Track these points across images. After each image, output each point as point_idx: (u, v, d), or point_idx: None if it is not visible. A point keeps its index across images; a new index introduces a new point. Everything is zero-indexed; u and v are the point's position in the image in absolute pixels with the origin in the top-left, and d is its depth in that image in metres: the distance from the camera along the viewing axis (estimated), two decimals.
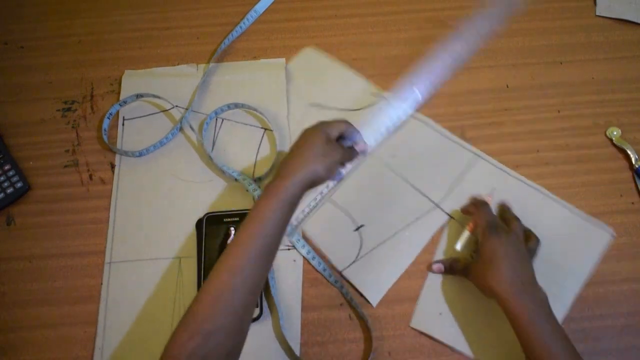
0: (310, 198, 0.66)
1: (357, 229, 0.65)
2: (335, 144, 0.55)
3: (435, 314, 0.61)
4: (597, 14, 0.79)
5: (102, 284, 0.63)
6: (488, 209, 0.60)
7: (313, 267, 0.64)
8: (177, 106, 0.73)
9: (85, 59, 0.78)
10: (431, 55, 0.71)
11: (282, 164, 0.53)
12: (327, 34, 0.79)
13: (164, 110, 0.74)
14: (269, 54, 0.78)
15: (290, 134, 0.71)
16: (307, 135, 0.55)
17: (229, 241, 0.63)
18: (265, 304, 0.61)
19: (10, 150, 0.71)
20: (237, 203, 0.67)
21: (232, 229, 0.64)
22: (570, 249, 0.63)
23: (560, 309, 0.59)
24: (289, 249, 0.65)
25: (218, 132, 0.72)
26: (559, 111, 0.73)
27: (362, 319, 0.61)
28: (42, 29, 0.81)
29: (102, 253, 0.65)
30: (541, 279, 0.55)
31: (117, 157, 0.71)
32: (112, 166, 0.70)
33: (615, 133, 0.70)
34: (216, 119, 0.73)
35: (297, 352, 0.59)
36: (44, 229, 0.67)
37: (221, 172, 0.68)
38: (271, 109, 0.73)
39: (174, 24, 0.81)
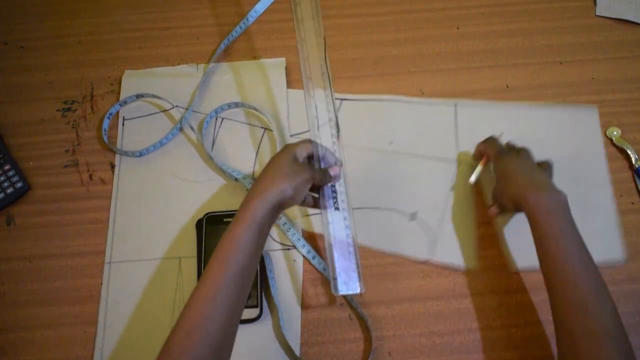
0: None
1: (412, 217, 0.66)
2: (303, 164, 0.54)
3: None
4: (597, 14, 0.79)
5: (102, 284, 0.63)
6: (497, 140, 0.63)
7: (313, 266, 0.64)
8: (177, 106, 0.73)
9: (85, 59, 0.78)
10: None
11: (250, 188, 0.52)
12: (328, 34, 0.78)
13: (164, 110, 0.74)
14: (269, 54, 0.78)
15: (290, 133, 0.71)
16: (275, 157, 0.54)
17: None
18: (265, 304, 0.61)
19: (10, 150, 0.71)
20: (237, 203, 0.65)
21: None
22: (570, 138, 0.69)
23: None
24: (289, 249, 0.65)
25: (218, 132, 0.72)
26: None
27: (362, 319, 0.61)
28: (42, 29, 0.81)
29: (102, 253, 0.65)
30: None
31: (117, 157, 0.71)
32: (112, 166, 0.70)
33: (615, 133, 0.70)
34: (216, 118, 0.73)
35: (297, 352, 0.59)
36: (44, 229, 0.67)
37: (221, 171, 0.68)
38: (271, 108, 0.73)
39: (174, 24, 0.81)
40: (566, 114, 0.71)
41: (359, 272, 0.56)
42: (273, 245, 0.65)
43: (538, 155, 0.61)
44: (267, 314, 0.61)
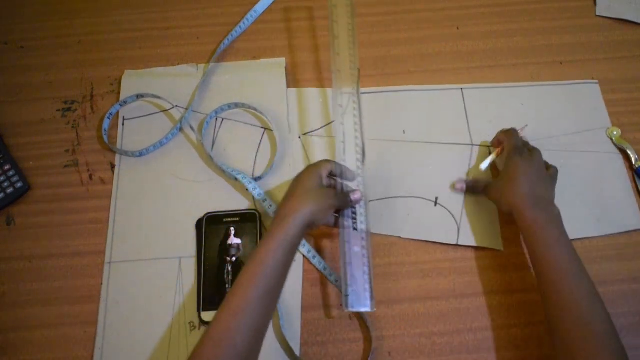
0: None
1: (435, 203, 0.66)
2: (329, 190, 0.58)
3: None
4: (597, 14, 0.79)
5: (102, 284, 0.63)
6: (517, 135, 0.64)
7: (314, 266, 0.64)
8: (177, 106, 0.73)
9: (85, 59, 0.78)
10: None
11: (279, 207, 0.56)
12: (327, 34, 0.79)
13: (164, 110, 0.74)
14: (269, 54, 0.78)
15: (290, 133, 0.71)
16: (302, 179, 0.57)
17: (228, 241, 0.64)
18: None
19: (10, 150, 0.71)
20: (237, 203, 0.67)
21: (232, 228, 0.64)
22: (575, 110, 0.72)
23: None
24: None
25: (218, 132, 0.72)
26: None
27: (362, 319, 0.61)
28: (42, 29, 0.81)
29: (102, 253, 0.65)
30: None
31: (117, 157, 0.71)
32: (112, 166, 0.70)
33: (615, 133, 0.70)
34: (216, 119, 0.73)
35: (297, 352, 0.59)
36: (44, 229, 0.67)
37: (221, 171, 0.68)
38: (271, 108, 0.73)
39: (174, 24, 0.81)
40: (569, 89, 0.74)
41: (371, 292, 0.58)
42: None
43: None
44: None
